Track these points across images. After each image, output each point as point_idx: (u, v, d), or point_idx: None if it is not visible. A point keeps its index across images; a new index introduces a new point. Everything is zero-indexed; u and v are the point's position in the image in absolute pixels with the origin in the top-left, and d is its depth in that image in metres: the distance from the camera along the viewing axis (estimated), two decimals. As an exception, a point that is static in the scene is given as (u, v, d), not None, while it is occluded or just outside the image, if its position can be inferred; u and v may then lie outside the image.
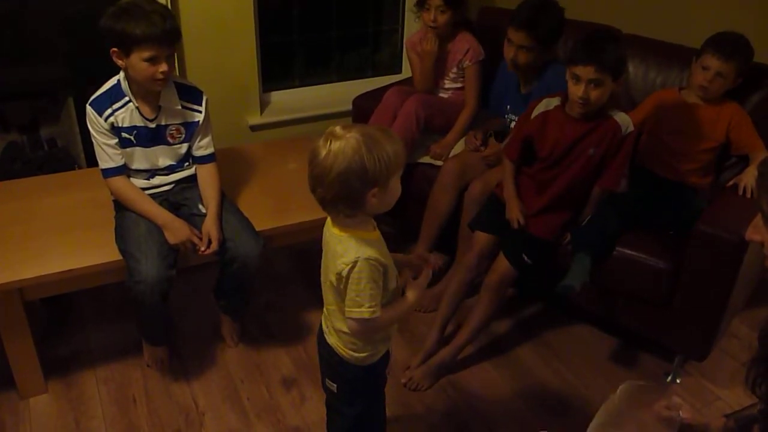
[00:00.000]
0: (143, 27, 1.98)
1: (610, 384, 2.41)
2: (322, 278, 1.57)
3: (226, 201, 2.36)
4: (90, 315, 2.66)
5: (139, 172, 2.28)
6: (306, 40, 3.56)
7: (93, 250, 2.20)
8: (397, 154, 1.40)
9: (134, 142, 2.22)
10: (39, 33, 2.75)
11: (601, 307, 2.56)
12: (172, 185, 2.35)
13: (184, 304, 2.71)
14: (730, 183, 2.41)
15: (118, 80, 2.16)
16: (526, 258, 2.33)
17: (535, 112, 2.38)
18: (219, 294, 2.46)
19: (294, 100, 3.51)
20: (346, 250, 1.44)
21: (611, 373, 2.47)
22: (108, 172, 2.22)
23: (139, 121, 2.19)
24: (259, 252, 2.24)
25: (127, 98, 2.16)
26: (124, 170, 2.24)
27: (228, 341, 2.54)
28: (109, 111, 2.15)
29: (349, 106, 3.21)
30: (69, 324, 2.61)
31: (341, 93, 3.51)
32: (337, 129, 1.40)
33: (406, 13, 3.64)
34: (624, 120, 2.27)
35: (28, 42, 2.74)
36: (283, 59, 3.50)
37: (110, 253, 2.18)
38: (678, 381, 2.43)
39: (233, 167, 2.69)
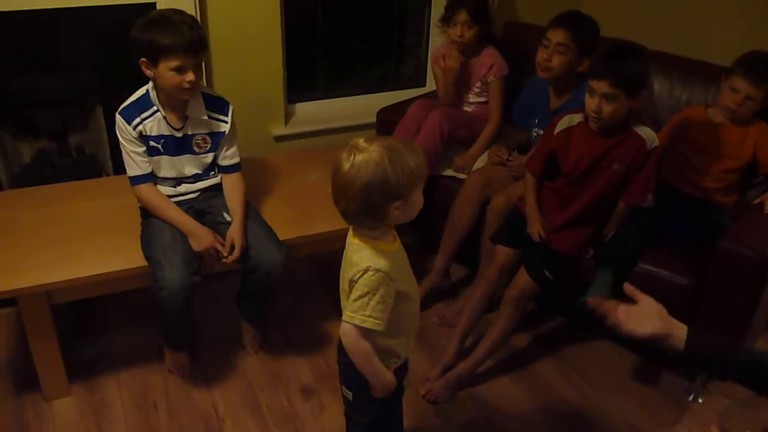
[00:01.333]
0: (171, 37, 2.03)
1: (631, 401, 2.39)
2: (340, 286, 1.59)
3: (251, 210, 2.38)
4: (114, 319, 2.70)
5: (165, 180, 2.32)
6: (331, 52, 3.59)
7: (119, 256, 2.23)
8: (419, 167, 1.41)
9: (161, 150, 2.26)
10: (69, 42, 2.80)
11: (622, 324, 2.54)
12: (198, 193, 2.38)
13: (207, 311, 2.74)
14: (756, 201, 2.39)
15: (147, 90, 2.21)
16: (547, 273, 2.33)
17: (558, 128, 2.38)
18: (241, 301, 2.49)
19: (318, 112, 3.54)
20: (360, 259, 1.46)
21: (632, 390, 2.46)
22: (135, 180, 2.26)
23: (166, 131, 2.23)
24: (282, 261, 2.26)
25: (155, 108, 2.20)
26: (151, 178, 2.28)
27: (248, 349, 2.56)
28: (137, 120, 2.19)
29: (373, 119, 3.23)
30: (93, 328, 2.64)
31: (365, 105, 3.53)
32: (360, 141, 1.41)
33: (431, 26, 3.66)
34: (649, 135, 2.26)
35: (58, 51, 2.80)
36: (307, 71, 3.53)
37: (136, 259, 2.21)
38: (700, 400, 2.40)
39: (257, 177, 2.72)
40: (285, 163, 2.94)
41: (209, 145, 2.32)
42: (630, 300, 1.50)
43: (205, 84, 2.93)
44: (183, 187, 2.35)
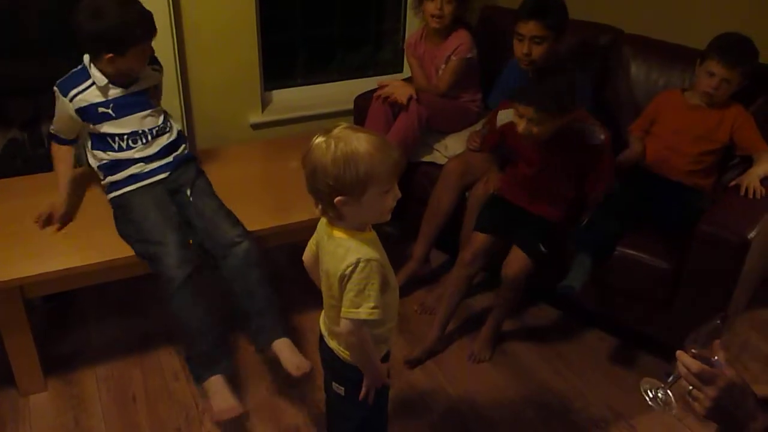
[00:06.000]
0: (140, 26, 2.12)
1: (613, 385, 2.41)
2: (322, 282, 1.57)
3: (201, 187, 2.38)
4: (90, 313, 2.66)
5: (135, 142, 2.31)
6: (308, 39, 3.55)
7: (94, 248, 2.20)
8: (372, 170, 1.35)
9: (113, 115, 2.25)
10: (41, 29, 2.75)
11: (602, 307, 2.55)
12: (168, 173, 2.35)
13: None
14: (733, 183, 2.40)
15: (82, 67, 2.24)
16: (542, 247, 2.34)
17: (501, 120, 2.40)
18: (246, 321, 2.25)
19: (295, 99, 3.50)
20: (347, 252, 1.43)
21: (612, 373, 2.47)
22: (55, 138, 2.36)
23: (114, 93, 2.25)
24: (243, 235, 2.22)
25: (92, 80, 2.22)
26: (71, 143, 2.38)
27: (293, 371, 2.11)
28: (74, 92, 2.22)
29: (351, 105, 3.20)
30: (69, 322, 2.60)
31: (343, 92, 3.50)
32: (336, 128, 1.39)
33: (407, 11, 3.64)
34: (590, 132, 2.25)
35: (30, 38, 2.74)
36: (284, 57, 3.50)
37: (112, 251, 2.19)
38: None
39: (234, 165, 2.69)
40: (262, 151, 2.92)
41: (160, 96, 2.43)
42: None
43: (179, 72, 2.89)
44: (155, 164, 2.34)
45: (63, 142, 2.38)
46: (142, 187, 2.30)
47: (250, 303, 2.22)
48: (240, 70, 3.14)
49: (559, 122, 2.17)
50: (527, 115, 2.14)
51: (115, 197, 2.31)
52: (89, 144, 2.34)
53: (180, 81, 2.92)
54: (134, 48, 2.11)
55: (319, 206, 1.44)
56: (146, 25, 2.14)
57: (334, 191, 1.36)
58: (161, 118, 2.38)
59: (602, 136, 2.26)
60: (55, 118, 2.33)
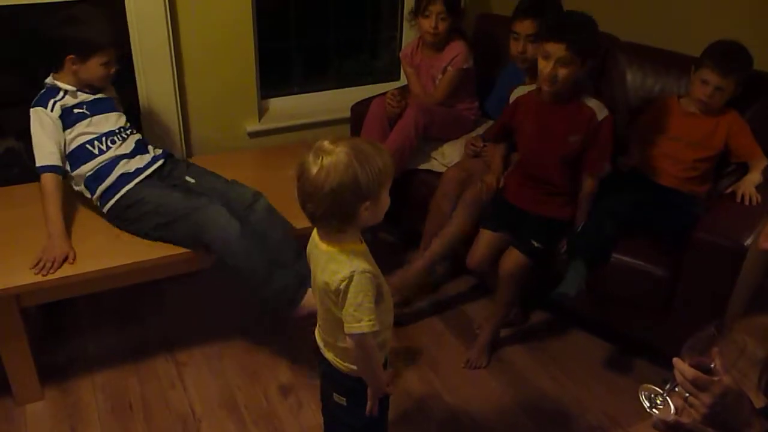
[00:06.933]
0: (104, 35, 2.25)
1: (609, 391, 2.41)
2: (315, 295, 1.57)
3: (198, 169, 2.48)
4: (86, 322, 2.66)
5: (113, 142, 2.37)
6: (304, 47, 3.56)
7: (90, 257, 2.20)
8: (386, 166, 1.40)
9: (88, 113, 2.34)
10: (36, 39, 2.74)
11: (598, 314, 2.56)
12: (162, 161, 2.44)
13: (180, 311, 2.70)
14: (728, 190, 2.41)
15: (48, 86, 2.32)
16: (535, 243, 2.35)
17: (513, 97, 2.45)
18: (285, 263, 2.27)
19: (292, 107, 3.51)
20: (340, 266, 1.43)
21: (609, 380, 2.47)
22: (45, 168, 2.26)
23: (84, 97, 2.34)
24: (257, 193, 2.34)
25: (62, 91, 2.31)
26: (59, 170, 2.28)
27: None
28: (52, 102, 2.29)
29: (348, 113, 3.21)
30: (66, 330, 2.60)
31: (340, 100, 3.51)
32: (326, 144, 1.38)
33: (404, 19, 3.65)
34: (597, 106, 2.28)
35: (25, 48, 2.74)
36: (281, 66, 3.50)
37: (107, 260, 2.18)
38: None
39: (231, 173, 2.68)
40: (259, 159, 2.92)
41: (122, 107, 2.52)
42: None
43: (176, 80, 2.90)
44: (138, 159, 2.39)
45: (59, 171, 2.26)
46: (139, 182, 2.34)
47: (288, 246, 2.30)
48: (237, 79, 3.14)
49: (577, 72, 2.19)
50: (557, 53, 2.14)
51: (114, 204, 2.31)
52: (69, 168, 2.35)
53: (177, 89, 2.93)
54: (96, 56, 2.25)
55: (331, 228, 1.44)
56: (110, 36, 2.29)
57: (361, 199, 1.38)
58: (126, 121, 2.48)
59: (607, 112, 2.28)
60: (42, 142, 2.25)
